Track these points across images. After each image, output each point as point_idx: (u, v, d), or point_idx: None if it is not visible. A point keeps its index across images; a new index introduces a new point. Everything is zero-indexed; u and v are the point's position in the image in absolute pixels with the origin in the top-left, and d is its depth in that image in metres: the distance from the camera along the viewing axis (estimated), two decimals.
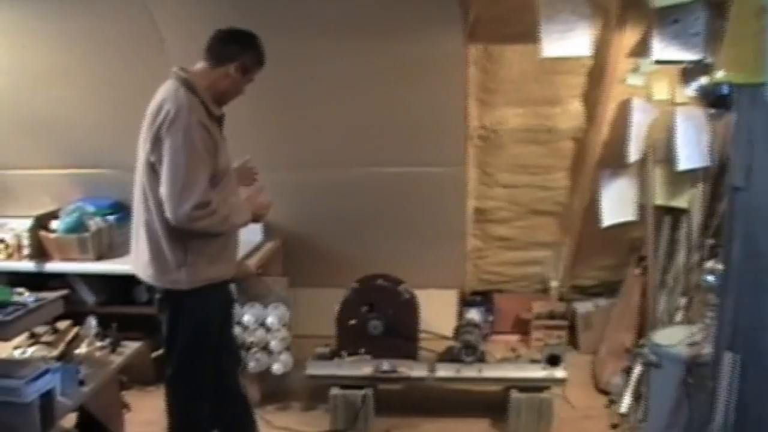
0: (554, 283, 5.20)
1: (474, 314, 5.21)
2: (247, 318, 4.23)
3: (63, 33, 3.75)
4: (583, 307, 5.12)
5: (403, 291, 4.23)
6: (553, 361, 4.03)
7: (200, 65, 3.00)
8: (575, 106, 4.06)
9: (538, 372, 4.00)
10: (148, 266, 3.05)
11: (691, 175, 4.23)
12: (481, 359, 4.11)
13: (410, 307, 4.23)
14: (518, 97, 4.01)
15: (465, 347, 4.08)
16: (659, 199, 4.31)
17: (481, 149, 4.31)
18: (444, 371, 4.04)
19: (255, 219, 3.18)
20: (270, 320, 4.24)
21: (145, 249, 3.03)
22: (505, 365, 4.12)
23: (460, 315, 5.23)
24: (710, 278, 3.40)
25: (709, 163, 4.14)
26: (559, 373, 3.99)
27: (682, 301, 4.32)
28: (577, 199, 4.52)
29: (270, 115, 4.04)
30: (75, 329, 3.41)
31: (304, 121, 4.06)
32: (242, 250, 4.22)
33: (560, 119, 4.10)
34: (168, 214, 2.86)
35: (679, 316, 4.29)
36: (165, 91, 2.94)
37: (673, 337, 3.39)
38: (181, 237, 2.96)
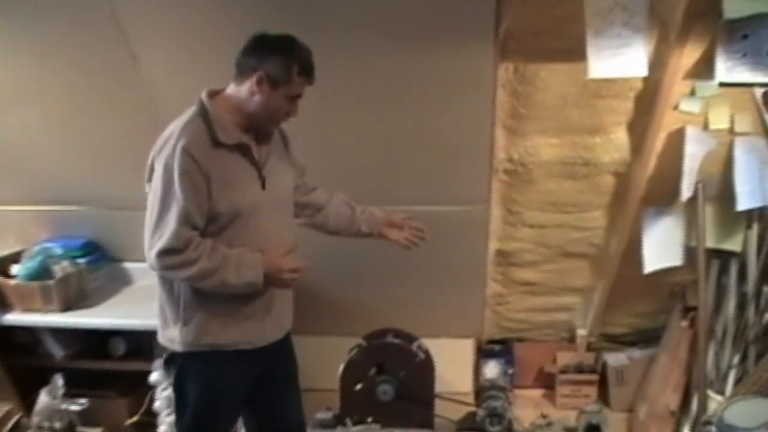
0: (582, 332, 4.64)
1: (493, 367, 4.64)
2: None
3: (19, 50, 3.18)
4: (614, 359, 4.55)
5: (417, 350, 3.65)
6: (593, 431, 3.47)
7: (230, 86, 2.53)
8: (619, 136, 3.50)
9: None
10: (158, 317, 2.68)
11: (746, 215, 3.68)
12: (509, 429, 3.53)
13: (425, 369, 3.66)
14: (554, 124, 3.45)
15: (490, 416, 3.51)
16: (709, 241, 3.75)
17: (508, 185, 3.75)
18: None
19: (274, 282, 2.58)
20: None
21: (157, 296, 2.67)
22: None
23: (477, 367, 4.66)
24: None
25: None
26: None
27: (736, 357, 3.76)
28: (615, 241, 3.96)
29: None
30: (16, 417, 2.83)
31: (306, 151, 3.47)
32: None
33: (601, 150, 3.54)
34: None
35: (731, 376, 3.73)
36: (180, 117, 2.53)
37: (748, 415, 2.82)
38: (173, 284, 2.55)
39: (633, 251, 3.88)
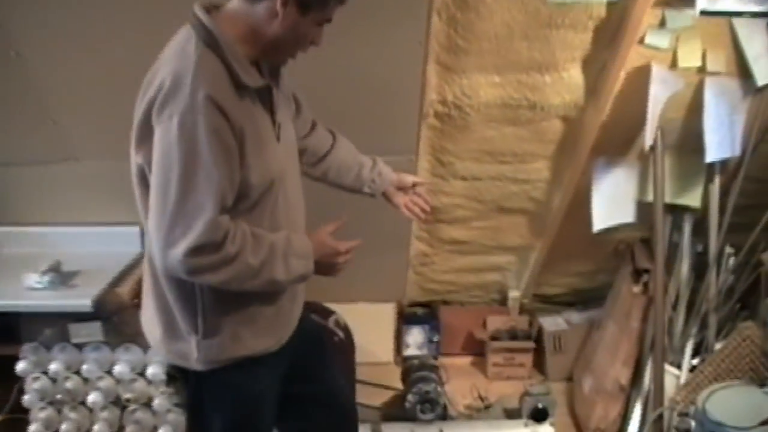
0: (514, 293, 4.19)
1: (416, 334, 4.15)
2: (120, 368, 3.00)
3: None
4: (551, 323, 4.12)
5: (334, 327, 3.09)
6: (539, 416, 2.99)
7: (234, 2, 1.82)
8: (572, 74, 2.95)
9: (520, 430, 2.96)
10: (154, 325, 2.04)
11: (707, 167, 3.22)
12: (443, 416, 3.03)
13: (344, 350, 3.10)
14: (496, 60, 2.86)
15: (421, 402, 2.99)
16: (666, 195, 3.28)
17: (439, 131, 3.16)
18: None
19: (324, 270, 2.02)
20: (152, 370, 2.99)
21: (149, 296, 2.04)
22: (477, 424, 3.05)
23: (399, 335, 4.14)
24: None
25: (739, 152, 3.14)
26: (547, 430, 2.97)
27: (693, 326, 3.34)
28: (558, 196, 3.46)
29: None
30: None
31: None
32: (112, 271, 3.02)
33: (551, 91, 2.98)
34: (155, 260, 1.80)
35: (689, 347, 3.32)
36: (170, 46, 1.83)
37: (734, 407, 2.37)
38: (192, 287, 1.90)
39: (578, 207, 3.39)
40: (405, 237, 3.70)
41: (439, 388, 2.95)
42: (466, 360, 4.25)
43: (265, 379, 2.14)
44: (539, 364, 4.15)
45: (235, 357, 2.01)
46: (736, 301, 3.28)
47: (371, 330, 4.04)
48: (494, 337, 4.09)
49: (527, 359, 4.07)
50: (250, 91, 1.81)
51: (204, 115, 1.67)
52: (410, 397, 2.95)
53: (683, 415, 2.55)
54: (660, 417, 3.10)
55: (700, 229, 3.41)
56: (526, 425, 2.93)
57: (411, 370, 3.16)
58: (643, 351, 3.36)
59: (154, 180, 1.74)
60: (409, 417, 2.95)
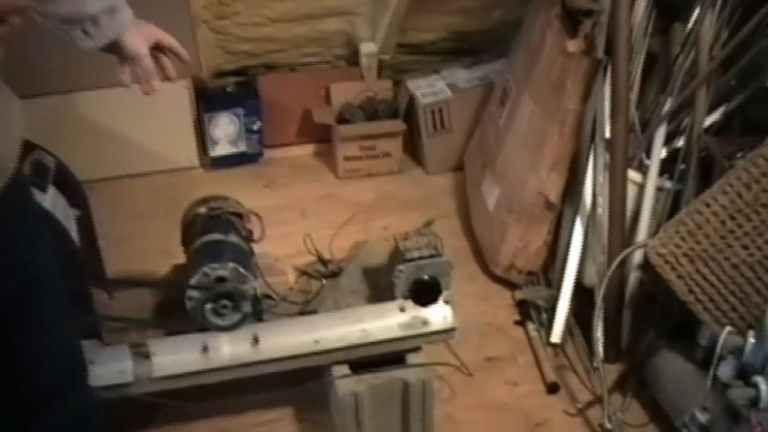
0: (368, 47, 2.76)
1: (226, 124, 2.73)
2: None
3: None
4: (426, 89, 2.81)
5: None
6: (427, 295, 1.71)
7: None
8: None
9: (391, 321, 1.69)
10: None
11: None
12: (258, 313, 1.69)
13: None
14: None
15: (213, 297, 1.61)
16: None
17: None
18: (168, 362, 1.61)
19: None
20: None
21: None
22: (314, 322, 1.73)
23: (200, 125, 2.69)
24: None
25: None
26: (439, 317, 1.71)
27: (666, 102, 2.00)
28: None
29: None
30: None
31: None
32: None
33: None
34: None
35: (659, 139, 2.02)
36: None
37: None
38: None
39: None
40: None
41: (242, 270, 1.54)
42: (303, 151, 2.88)
43: None
44: (413, 152, 2.84)
45: None
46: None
47: (160, 123, 2.65)
48: (343, 117, 2.72)
49: (395, 146, 2.76)
50: None
51: None
52: (192, 292, 1.56)
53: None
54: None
55: None
56: (402, 309, 1.65)
57: (193, 230, 1.73)
58: (581, 147, 2.05)
59: None
60: (190, 326, 1.60)
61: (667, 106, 1.94)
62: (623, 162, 1.86)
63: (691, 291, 1.67)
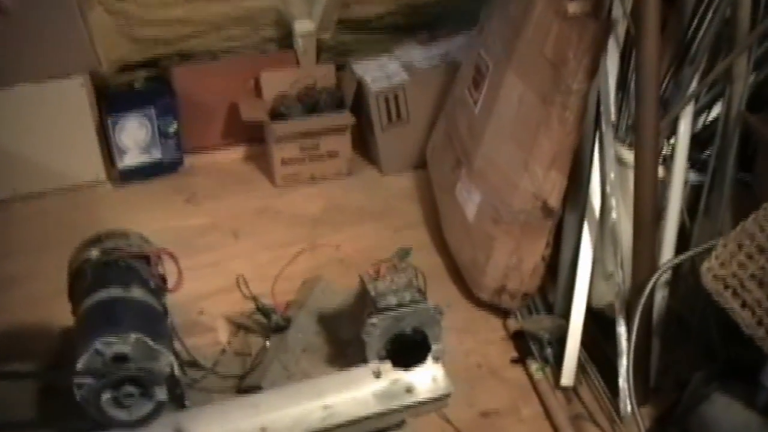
0: (304, 26, 2.34)
1: (135, 128, 2.25)
2: None
3: None
4: (377, 73, 2.35)
5: None
6: (411, 355, 1.27)
7: None
8: None
9: (364, 391, 1.24)
10: None
11: None
12: (181, 398, 1.22)
13: None
14: None
15: (115, 392, 1.13)
16: None
17: None
18: None
19: None
20: None
21: None
22: (269, 399, 1.27)
23: (104, 131, 2.20)
24: None
25: None
26: (427, 381, 1.26)
27: (694, 77, 1.57)
28: None
29: None
30: None
31: None
32: None
33: None
34: None
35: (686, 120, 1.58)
36: None
37: None
38: None
39: None
40: None
41: (150, 343, 1.06)
42: (231, 157, 2.41)
43: None
44: (363, 149, 2.38)
45: None
46: None
47: (55, 130, 2.20)
48: (278, 112, 2.26)
49: (342, 144, 2.30)
50: None
51: None
52: (82, 379, 1.07)
53: None
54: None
55: None
56: (377, 374, 1.21)
57: (81, 283, 1.24)
58: (582, 139, 1.62)
59: None
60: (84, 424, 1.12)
61: (695, 82, 1.51)
62: (654, 157, 1.43)
63: (760, 323, 1.25)
